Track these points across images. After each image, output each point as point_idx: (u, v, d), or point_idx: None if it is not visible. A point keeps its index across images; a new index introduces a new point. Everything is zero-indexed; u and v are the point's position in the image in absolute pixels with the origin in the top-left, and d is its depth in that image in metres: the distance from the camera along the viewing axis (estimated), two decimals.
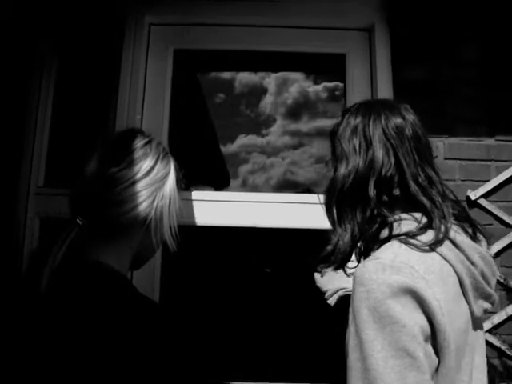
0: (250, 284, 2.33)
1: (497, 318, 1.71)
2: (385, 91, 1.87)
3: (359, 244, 1.00)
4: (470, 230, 0.98)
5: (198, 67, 2.36)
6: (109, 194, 0.92)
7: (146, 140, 1.01)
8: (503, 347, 1.70)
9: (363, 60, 1.99)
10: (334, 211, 1.04)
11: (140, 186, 0.94)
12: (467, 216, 1.01)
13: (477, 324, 0.94)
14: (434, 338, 0.82)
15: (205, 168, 2.65)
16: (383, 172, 0.96)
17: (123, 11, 1.92)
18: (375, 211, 0.96)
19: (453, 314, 0.84)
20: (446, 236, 0.90)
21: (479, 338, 0.96)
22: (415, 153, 0.98)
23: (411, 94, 1.84)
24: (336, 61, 2.05)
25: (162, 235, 1.03)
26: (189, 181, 2.39)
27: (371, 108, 1.05)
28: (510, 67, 1.86)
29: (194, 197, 1.91)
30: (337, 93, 2.56)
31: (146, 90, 1.95)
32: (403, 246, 0.89)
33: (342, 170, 1.01)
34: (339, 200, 1.02)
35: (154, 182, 0.97)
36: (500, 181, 1.78)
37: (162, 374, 0.84)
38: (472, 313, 0.90)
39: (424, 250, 0.87)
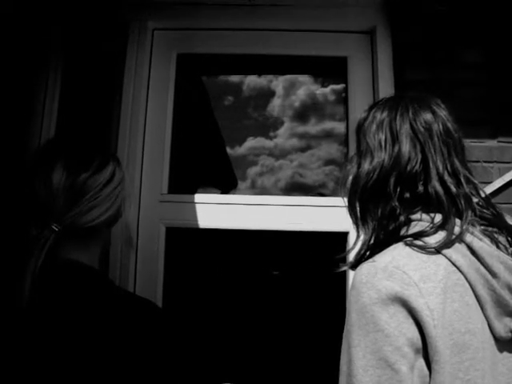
0: (258, 286, 2.32)
1: None
2: (387, 93, 1.86)
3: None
4: (502, 238, 0.90)
5: (203, 71, 2.38)
6: (82, 200, 0.95)
7: (102, 145, 1.11)
8: None
9: (365, 63, 1.99)
10: (358, 209, 1.00)
11: (109, 189, 1.00)
12: (503, 223, 0.94)
13: (507, 346, 0.83)
14: (425, 350, 0.77)
15: (211, 171, 2.67)
16: (408, 168, 0.92)
17: (127, 16, 1.94)
18: (397, 209, 0.92)
19: (452, 327, 0.77)
20: (459, 239, 0.83)
21: (510, 363, 0.83)
22: (444, 149, 0.94)
23: None
24: (340, 63, 2.05)
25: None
26: (196, 184, 2.41)
27: (399, 102, 1.00)
28: (511, 68, 1.85)
29: (200, 199, 1.92)
30: (344, 95, 2.55)
31: (150, 93, 1.97)
32: (407, 248, 0.84)
33: (366, 166, 0.97)
34: (362, 197, 0.98)
35: (117, 185, 1.03)
36: (502, 183, 1.77)
37: (149, 369, 0.87)
38: (492, 331, 0.81)
39: (429, 253, 0.82)
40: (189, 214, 1.90)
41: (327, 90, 3.22)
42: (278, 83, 3.52)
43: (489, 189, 1.76)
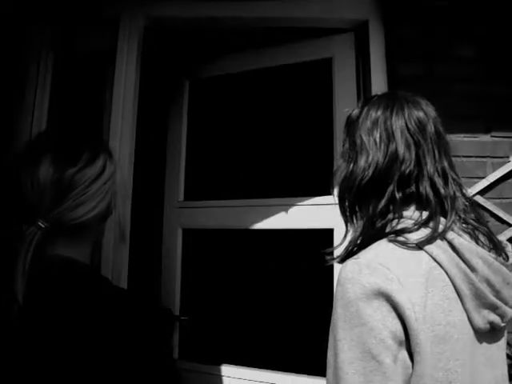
0: (252, 281, 2.35)
1: None
2: (379, 88, 1.86)
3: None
4: (481, 236, 0.94)
5: None
6: (69, 196, 0.92)
7: (93, 137, 1.05)
8: None
9: (352, 60, 2.02)
10: (349, 205, 1.02)
11: (97, 185, 0.96)
12: (483, 222, 0.97)
13: (486, 337, 0.88)
14: (408, 342, 0.80)
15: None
16: (403, 168, 0.93)
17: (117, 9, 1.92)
18: (389, 207, 0.94)
19: (433, 320, 0.81)
20: (441, 236, 0.87)
21: (490, 355, 0.89)
22: (436, 150, 0.96)
23: (407, 90, 1.82)
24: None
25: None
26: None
27: (393, 100, 1.01)
28: (506, 64, 1.84)
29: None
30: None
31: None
32: (390, 244, 0.88)
33: (362, 163, 0.97)
34: (356, 193, 0.99)
35: (108, 179, 0.98)
36: (496, 178, 1.77)
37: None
38: (471, 323, 0.85)
39: (410, 248, 0.86)
40: (201, 217, 2.23)
41: None
42: None
43: (482, 184, 1.76)
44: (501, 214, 1.74)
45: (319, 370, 1.79)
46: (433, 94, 1.83)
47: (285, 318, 2.20)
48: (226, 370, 2.05)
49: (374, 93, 1.81)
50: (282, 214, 1.99)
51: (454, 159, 1.70)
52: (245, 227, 2.10)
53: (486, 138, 1.81)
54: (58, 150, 0.95)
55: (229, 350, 2.20)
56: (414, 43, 1.88)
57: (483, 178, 1.78)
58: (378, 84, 1.87)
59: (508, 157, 1.79)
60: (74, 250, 0.96)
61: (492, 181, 1.77)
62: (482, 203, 1.76)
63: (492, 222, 1.75)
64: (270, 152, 2.30)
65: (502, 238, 1.72)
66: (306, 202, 1.98)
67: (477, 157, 1.80)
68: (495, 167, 1.78)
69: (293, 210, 1.98)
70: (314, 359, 1.88)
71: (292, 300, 2.20)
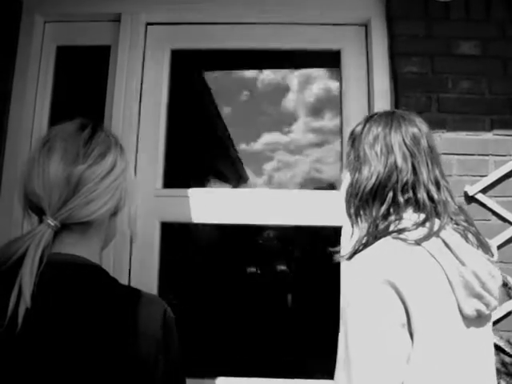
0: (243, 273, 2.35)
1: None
2: (382, 85, 1.88)
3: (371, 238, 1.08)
4: (470, 235, 1.06)
5: (201, 67, 2.38)
6: (79, 193, 0.90)
7: (105, 132, 1.00)
8: (501, 343, 1.67)
9: (360, 54, 1.99)
10: (355, 209, 1.15)
11: (108, 181, 0.94)
12: (471, 224, 1.10)
13: (473, 323, 0.99)
14: (409, 323, 0.92)
15: (217, 168, 2.69)
16: (401, 177, 1.07)
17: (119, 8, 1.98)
18: (390, 210, 1.07)
19: (429, 307, 0.94)
20: (436, 234, 0.99)
21: (478, 339, 1.00)
22: (429, 162, 1.10)
23: (409, 88, 1.83)
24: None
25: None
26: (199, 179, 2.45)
27: (392, 118, 1.15)
28: (507, 61, 1.82)
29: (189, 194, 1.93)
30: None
31: (143, 93, 1.97)
32: (393, 241, 1.01)
33: (366, 173, 1.11)
34: (361, 199, 1.12)
35: (118, 176, 0.96)
36: (498, 176, 1.75)
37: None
38: (461, 311, 0.96)
39: (410, 245, 0.98)
40: (182, 208, 1.94)
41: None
42: (293, 77, 3.52)
43: (484, 182, 1.74)
44: (503, 212, 1.71)
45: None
46: (435, 91, 1.84)
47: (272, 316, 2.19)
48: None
49: (377, 88, 1.85)
50: (283, 208, 1.92)
51: (455, 158, 1.74)
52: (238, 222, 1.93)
53: (488, 135, 1.79)
54: (68, 147, 0.93)
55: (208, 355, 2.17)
56: (416, 40, 1.87)
57: (485, 175, 1.76)
58: (381, 80, 1.89)
59: (510, 155, 1.76)
60: (84, 248, 0.94)
61: (494, 179, 1.75)
62: (484, 201, 1.73)
63: (493, 220, 1.73)
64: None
65: (505, 235, 1.69)
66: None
67: (479, 155, 1.78)
68: (497, 165, 1.76)
69: (294, 204, 1.92)
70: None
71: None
